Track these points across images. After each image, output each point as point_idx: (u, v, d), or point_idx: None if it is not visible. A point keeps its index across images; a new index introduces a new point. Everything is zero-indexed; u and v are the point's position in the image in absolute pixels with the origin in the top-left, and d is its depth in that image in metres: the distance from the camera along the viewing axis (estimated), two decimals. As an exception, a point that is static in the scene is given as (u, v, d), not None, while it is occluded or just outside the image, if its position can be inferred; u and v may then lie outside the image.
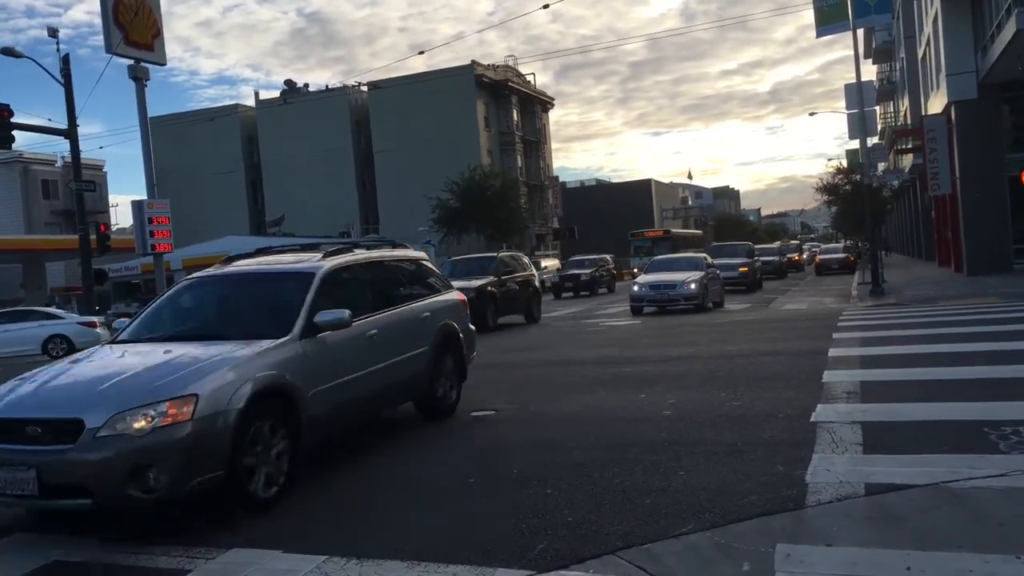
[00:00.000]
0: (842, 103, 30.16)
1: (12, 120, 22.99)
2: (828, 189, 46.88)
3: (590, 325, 19.17)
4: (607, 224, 71.59)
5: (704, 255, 25.98)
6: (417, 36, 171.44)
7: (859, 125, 23.03)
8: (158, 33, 22.57)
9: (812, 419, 6.86)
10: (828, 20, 24.38)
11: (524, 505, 5.12)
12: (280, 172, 64.23)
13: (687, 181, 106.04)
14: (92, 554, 4.86)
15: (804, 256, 58.69)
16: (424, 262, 9.06)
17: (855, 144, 28.04)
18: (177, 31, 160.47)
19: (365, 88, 57.34)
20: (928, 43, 30.82)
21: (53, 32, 26.56)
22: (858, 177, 36.07)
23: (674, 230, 56.96)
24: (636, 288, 22.40)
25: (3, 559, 4.88)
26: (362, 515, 5.28)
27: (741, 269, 29.52)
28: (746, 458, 5.83)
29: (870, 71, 60.98)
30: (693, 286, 21.46)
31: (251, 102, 69.30)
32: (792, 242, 71.35)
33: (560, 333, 17.60)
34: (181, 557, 4.64)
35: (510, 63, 64.95)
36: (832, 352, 10.83)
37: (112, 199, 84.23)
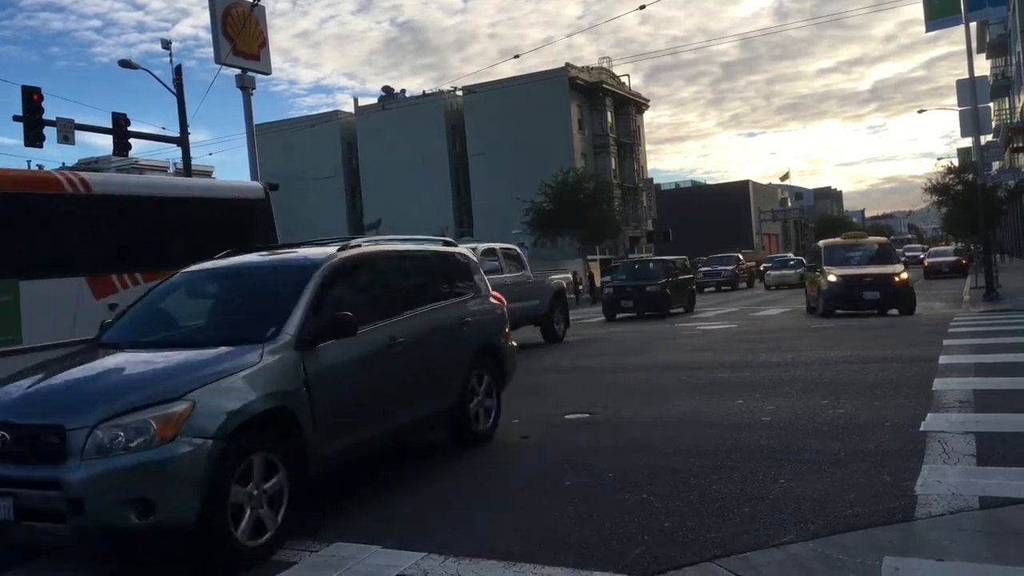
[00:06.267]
0: (949, 100, 28.87)
1: (129, 129, 24.23)
2: (938, 189, 44.78)
3: (684, 329, 18.90)
4: (704, 226, 70.56)
5: None
6: (507, 41, 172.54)
7: (972, 122, 21.98)
8: (264, 43, 23.39)
9: (921, 428, 6.60)
10: (939, 13, 23.45)
11: (620, 509, 5.09)
12: (377, 176, 65.71)
13: (785, 182, 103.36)
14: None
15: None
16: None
17: (967, 142, 26.83)
18: (276, 43, 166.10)
19: (460, 93, 58.04)
20: (1048, 35, 29.24)
21: (166, 44, 27.78)
22: (971, 177, 34.42)
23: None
24: None
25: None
26: (459, 514, 5.34)
27: None
28: (850, 467, 5.65)
29: (983, 66, 58.31)
30: None
31: (348, 109, 71.15)
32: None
33: (653, 337, 17.41)
34: (286, 549, 4.77)
35: (604, 64, 64.66)
36: (943, 359, 10.37)
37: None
